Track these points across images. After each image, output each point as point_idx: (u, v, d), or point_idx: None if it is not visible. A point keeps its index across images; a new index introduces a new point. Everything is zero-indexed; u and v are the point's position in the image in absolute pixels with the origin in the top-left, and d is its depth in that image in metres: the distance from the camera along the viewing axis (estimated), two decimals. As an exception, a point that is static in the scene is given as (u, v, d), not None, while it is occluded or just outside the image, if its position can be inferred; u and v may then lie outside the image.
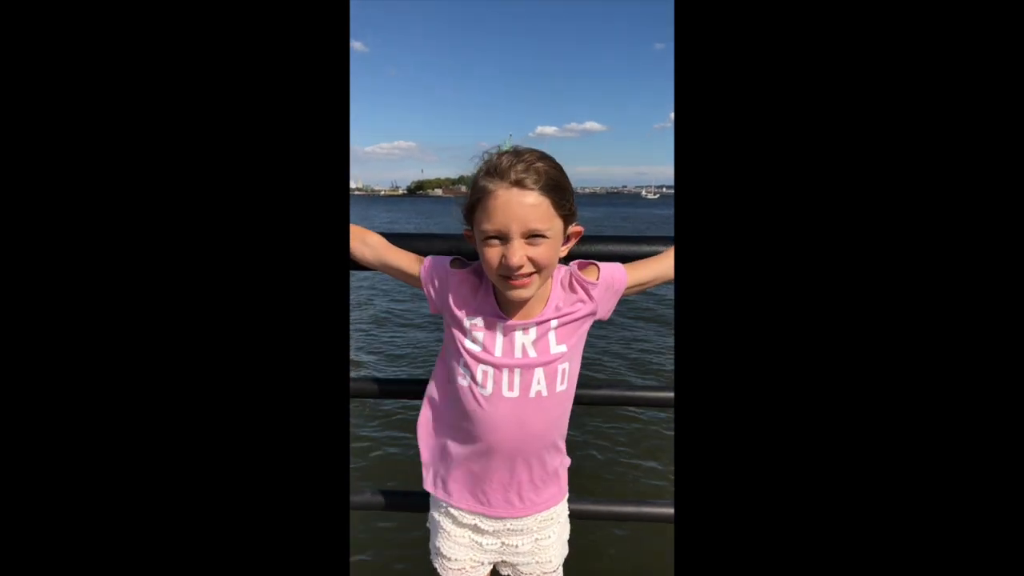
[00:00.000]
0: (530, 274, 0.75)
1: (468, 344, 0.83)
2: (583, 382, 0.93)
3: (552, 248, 0.76)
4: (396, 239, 0.93)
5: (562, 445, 0.91)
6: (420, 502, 1.02)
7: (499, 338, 0.82)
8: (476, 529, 0.90)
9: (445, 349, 0.88)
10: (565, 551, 0.96)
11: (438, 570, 0.94)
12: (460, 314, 0.84)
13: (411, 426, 0.95)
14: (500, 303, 0.83)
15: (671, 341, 5.34)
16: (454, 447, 0.87)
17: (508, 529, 0.89)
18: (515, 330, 0.82)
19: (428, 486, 0.93)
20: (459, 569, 0.92)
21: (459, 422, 0.85)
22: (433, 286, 0.87)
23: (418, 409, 0.93)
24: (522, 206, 0.72)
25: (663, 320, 6.17)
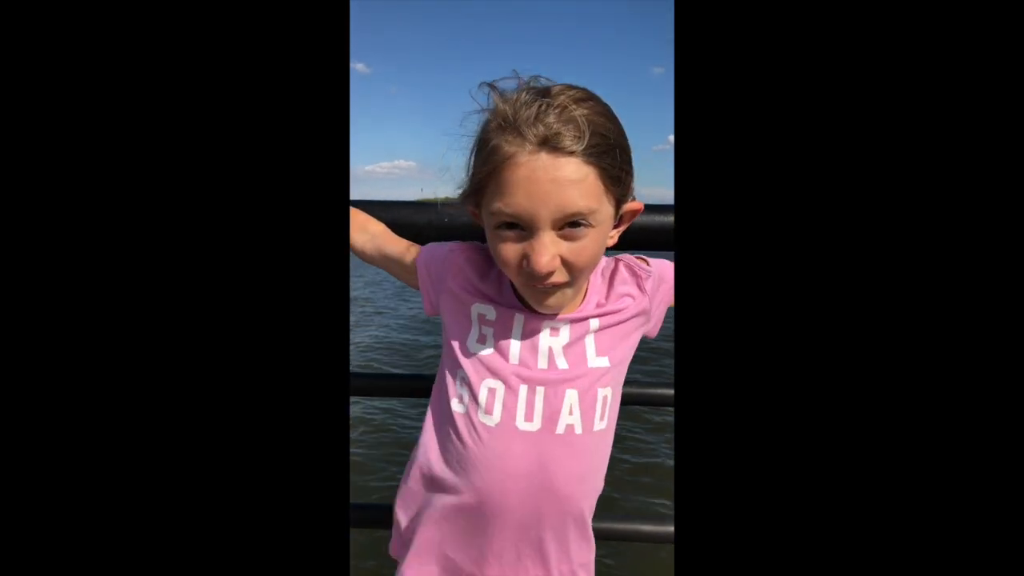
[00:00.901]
0: (563, 283, 0.52)
1: (471, 345, 0.57)
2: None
3: (597, 242, 0.51)
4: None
5: (588, 513, 0.59)
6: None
7: (516, 337, 0.56)
8: None
9: (442, 365, 0.61)
10: None
11: None
12: (463, 301, 0.58)
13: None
14: (518, 292, 0.58)
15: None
16: (441, 515, 0.57)
17: None
18: (540, 330, 0.56)
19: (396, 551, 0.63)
20: None
21: (451, 480, 0.56)
22: (429, 273, 0.62)
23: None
24: (556, 181, 0.47)
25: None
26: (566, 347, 0.56)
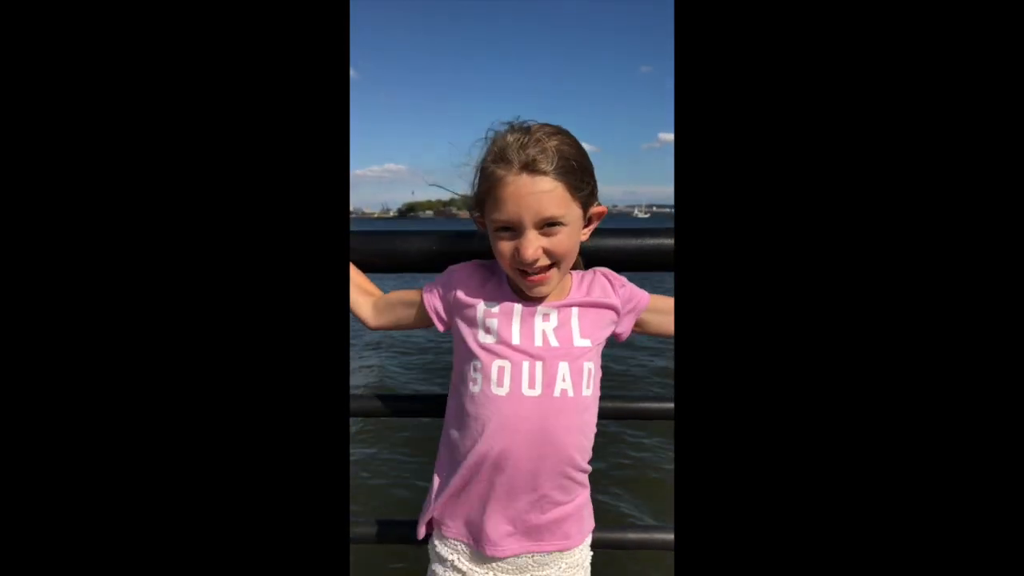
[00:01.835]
0: (548, 267, 0.68)
1: (481, 337, 0.72)
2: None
3: (571, 236, 0.68)
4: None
5: (587, 469, 0.76)
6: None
7: (516, 324, 0.71)
8: None
9: (456, 363, 0.76)
10: None
11: None
12: (471, 304, 0.73)
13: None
14: (515, 289, 0.74)
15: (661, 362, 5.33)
16: (465, 482, 0.73)
17: None
18: (534, 315, 0.72)
19: (422, 530, 0.79)
20: None
21: (472, 442, 0.71)
22: (437, 295, 0.78)
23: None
24: (534, 194, 0.63)
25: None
26: (556, 329, 0.72)
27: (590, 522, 0.80)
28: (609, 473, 3.15)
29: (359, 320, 0.81)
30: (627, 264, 0.85)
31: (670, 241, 0.83)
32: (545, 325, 0.72)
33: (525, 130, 0.66)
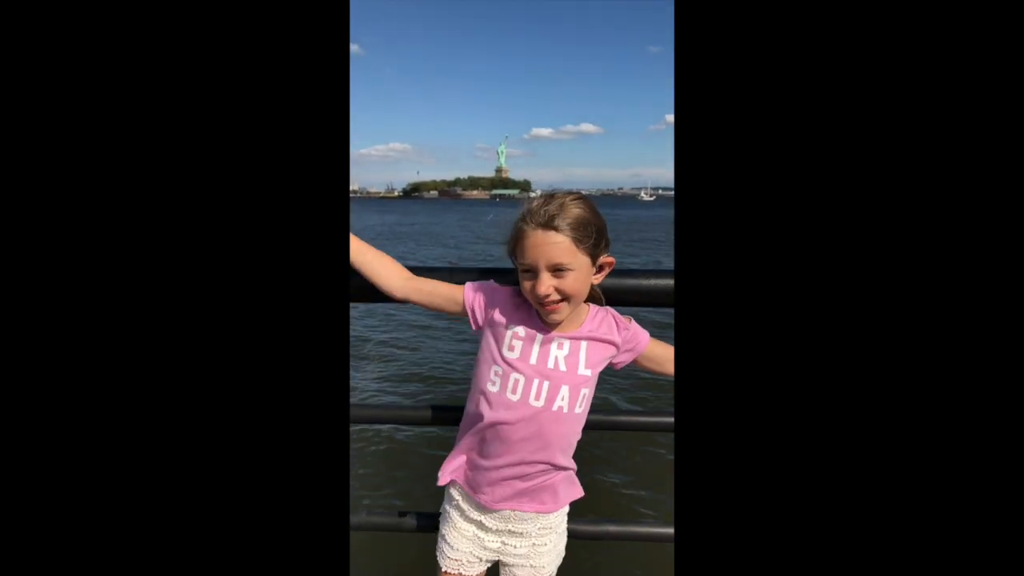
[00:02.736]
0: (558, 301, 0.85)
1: (506, 352, 0.91)
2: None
3: (577, 279, 0.85)
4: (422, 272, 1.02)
5: (565, 463, 0.96)
6: (417, 522, 1.11)
7: (536, 348, 0.90)
8: (480, 526, 0.98)
9: (480, 362, 0.95)
10: (559, 560, 1.03)
11: (438, 559, 1.01)
12: (503, 323, 0.92)
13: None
14: (540, 317, 0.91)
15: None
16: (475, 446, 0.95)
17: (509, 530, 0.97)
18: (551, 342, 0.90)
19: (443, 479, 1.00)
20: (456, 560, 0.99)
21: (484, 424, 0.92)
22: (478, 303, 0.96)
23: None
24: (547, 245, 0.83)
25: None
26: (566, 357, 0.91)
27: (567, 497, 0.99)
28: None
29: (380, 285, 0.95)
30: (631, 301, 1.01)
31: (670, 281, 0.99)
32: (558, 352, 0.90)
33: (550, 196, 0.86)
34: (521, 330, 0.91)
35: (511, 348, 0.91)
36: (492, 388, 0.91)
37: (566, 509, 1.01)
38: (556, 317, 0.88)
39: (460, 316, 0.97)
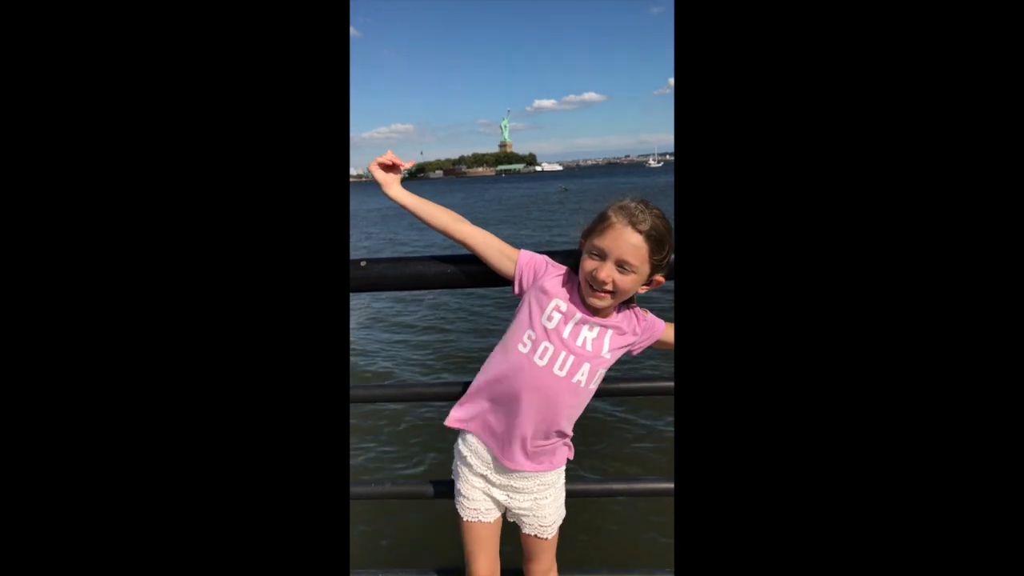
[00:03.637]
0: (609, 292, 0.94)
1: (544, 321, 0.99)
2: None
3: (634, 282, 0.94)
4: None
5: (569, 430, 1.06)
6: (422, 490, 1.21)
7: (571, 326, 0.99)
8: (487, 480, 1.08)
9: (516, 324, 1.04)
10: (560, 516, 1.12)
11: (458, 509, 1.12)
12: (549, 294, 1.00)
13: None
14: (582, 299, 0.99)
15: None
16: (492, 401, 1.04)
17: (512, 486, 1.07)
18: (585, 324, 0.99)
19: (451, 422, 1.09)
20: (475, 509, 1.09)
21: (507, 381, 1.01)
22: (530, 269, 1.04)
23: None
24: (627, 242, 0.92)
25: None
26: (593, 340, 1.00)
27: (562, 459, 1.09)
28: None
29: (438, 227, 1.03)
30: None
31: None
32: (588, 334, 0.99)
33: (644, 202, 0.95)
34: (564, 305, 0.99)
35: (550, 319, 0.99)
36: (523, 349, 0.99)
37: (563, 468, 1.11)
38: (598, 303, 0.96)
39: (502, 273, 1.05)
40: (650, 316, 1.06)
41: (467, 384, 1.10)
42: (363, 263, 1.07)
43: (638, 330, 1.04)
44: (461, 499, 1.11)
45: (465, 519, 1.11)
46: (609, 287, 0.93)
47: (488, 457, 1.07)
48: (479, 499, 1.10)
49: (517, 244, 1.04)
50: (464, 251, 1.06)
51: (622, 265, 0.92)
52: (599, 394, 1.06)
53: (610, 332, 1.00)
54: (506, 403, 1.01)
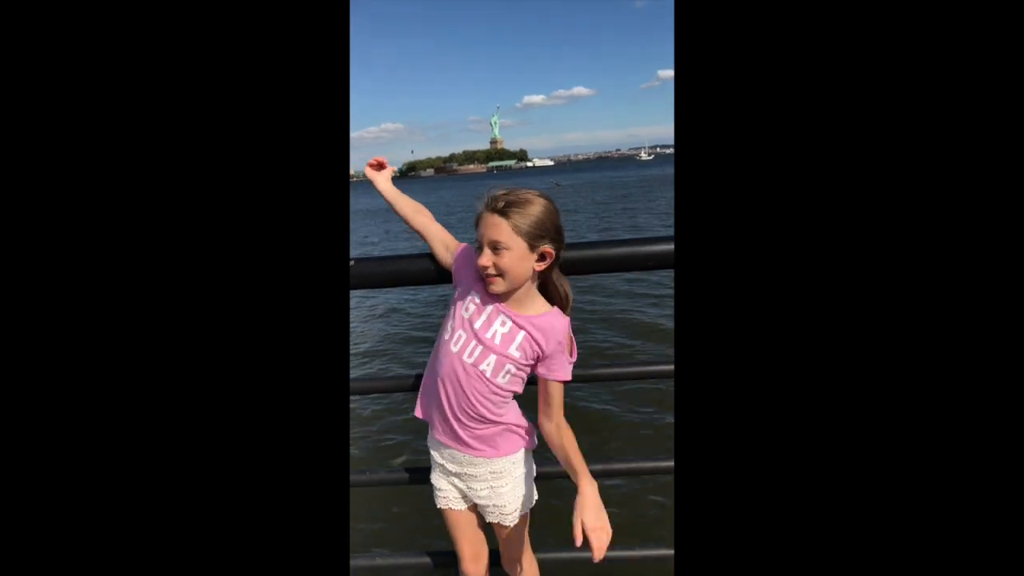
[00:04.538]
0: (496, 275, 0.98)
1: (461, 311, 1.05)
2: (584, 361, 1.09)
3: (512, 259, 0.97)
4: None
5: (495, 418, 1.07)
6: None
7: (484, 316, 1.04)
8: (443, 469, 1.14)
9: (447, 314, 1.11)
10: (522, 504, 1.14)
11: (435, 501, 1.17)
12: (468, 287, 1.06)
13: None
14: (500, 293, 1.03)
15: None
16: (427, 387, 1.12)
17: (466, 473, 1.11)
18: (497, 317, 1.03)
19: (417, 411, 1.17)
20: (444, 497, 1.15)
21: (433, 367, 1.09)
22: (461, 262, 1.09)
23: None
24: (488, 225, 0.97)
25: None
26: (504, 334, 1.03)
27: (509, 448, 1.10)
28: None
29: (402, 216, 1.16)
30: (630, 266, 1.11)
31: (670, 247, 1.07)
32: (500, 328, 1.02)
33: (510, 190, 0.99)
34: (478, 297, 1.05)
35: (466, 309, 1.05)
36: (445, 336, 1.07)
37: (519, 458, 1.12)
38: (493, 289, 1.00)
39: (445, 265, 1.11)
40: (565, 360, 1.04)
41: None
42: (352, 262, 1.11)
43: (545, 351, 1.02)
44: (433, 488, 1.17)
45: (439, 507, 1.17)
46: (492, 270, 0.97)
47: (440, 447, 1.12)
48: (446, 487, 1.15)
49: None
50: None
51: (494, 247, 0.96)
52: (599, 379, 1.07)
53: (523, 334, 1.01)
54: (433, 388, 1.08)
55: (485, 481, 1.11)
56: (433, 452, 1.15)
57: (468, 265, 1.07)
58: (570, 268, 1.07)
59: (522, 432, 1.12)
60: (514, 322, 1.03)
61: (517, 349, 1.02)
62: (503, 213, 0.96)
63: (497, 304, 1.03)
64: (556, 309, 1.06)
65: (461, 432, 1.07)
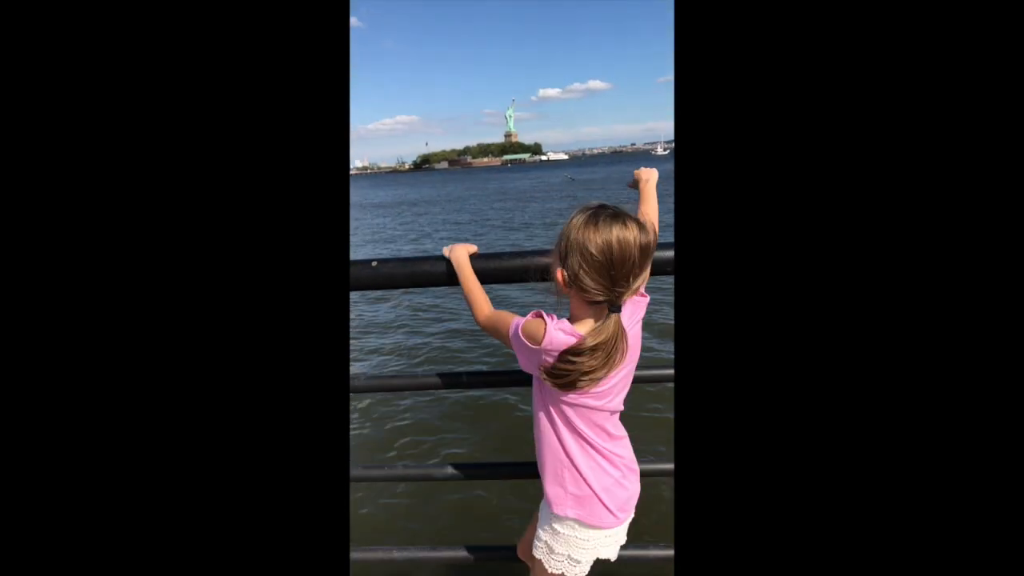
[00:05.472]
0: None
1: None
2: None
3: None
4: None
5: (546, 474, 1.01)
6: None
7: None
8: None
9: None
10: (537, 546, 1.07)
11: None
12: None
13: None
14: None
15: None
16: None
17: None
18: None
19: None
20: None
21: None
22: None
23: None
24: None
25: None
26: None
27: (546, 503, 1.04)
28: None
29: (466, 297, 1.06)
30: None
31: (670, 254, 1.03)
32: None
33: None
34: None
35: None
36: None
37: (547, 514, 1.08)
38: None
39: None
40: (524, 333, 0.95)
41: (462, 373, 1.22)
42: (374, 263, 1.12)
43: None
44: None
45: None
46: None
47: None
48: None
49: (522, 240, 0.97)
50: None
51: None
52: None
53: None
54: None
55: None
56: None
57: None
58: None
59: (549, 490, 1.06)
60: None
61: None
62: None
63: None
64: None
65: None
